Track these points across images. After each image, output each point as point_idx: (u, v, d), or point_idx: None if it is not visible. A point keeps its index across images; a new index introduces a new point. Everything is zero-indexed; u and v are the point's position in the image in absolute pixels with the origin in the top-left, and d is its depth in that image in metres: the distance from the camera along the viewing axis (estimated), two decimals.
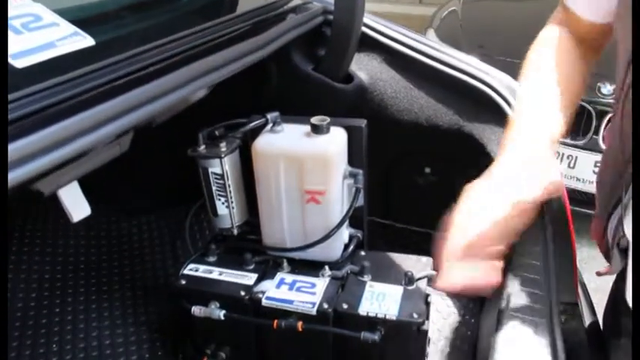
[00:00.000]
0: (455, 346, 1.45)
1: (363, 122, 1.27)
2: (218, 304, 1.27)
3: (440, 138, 1.43)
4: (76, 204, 0.89)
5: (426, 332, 1.27)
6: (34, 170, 0.63)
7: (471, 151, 1.42)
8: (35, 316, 1.55)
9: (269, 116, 1.27)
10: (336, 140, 1.23)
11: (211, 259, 1.37)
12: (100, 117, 0.72)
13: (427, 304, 1.25)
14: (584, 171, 2.93)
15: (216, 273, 1.32)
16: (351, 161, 1.29)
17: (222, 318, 1.25)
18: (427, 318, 1.24)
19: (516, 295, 1.10)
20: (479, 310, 1.52)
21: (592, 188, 2.90)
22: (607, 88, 2.85)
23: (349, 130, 1.26)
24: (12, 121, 0.65)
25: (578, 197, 2.94)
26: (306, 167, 1.21)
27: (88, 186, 1.00)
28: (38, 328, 1.52)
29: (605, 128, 2.86)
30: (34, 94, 0.68)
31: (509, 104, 1.40)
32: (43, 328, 1.51)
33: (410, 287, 1.25)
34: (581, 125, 2.90)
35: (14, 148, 0.63)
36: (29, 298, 1.61)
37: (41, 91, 0.69)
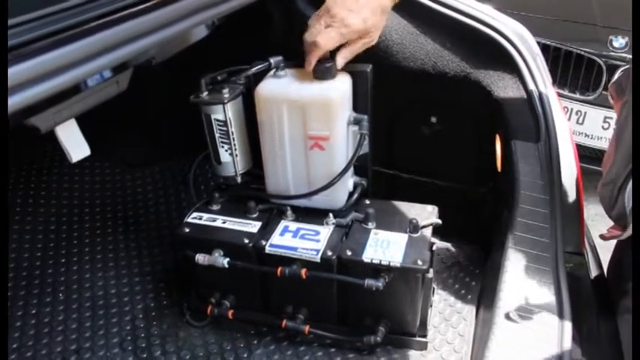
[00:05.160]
0: (460, 296, 1.45)
1: (368, 67, 1.24)
2: (222, 252, 1.26)
3: (446, 85, 1.40)
4: (74, 143, 0.87)
5: (430, 280, 1.26)
6: (31, 98, 0.62)
7: (478, 99, 1.39)
8: (41, 266, 1.56)
9: (272, 61, 1.24)
10: (340, 85, 1.20)
11: (215, 207, 1.36)
12: (96, 46, 0.70)
13: (432, 252, 1.24)
14: (594, 127, 2.88)
15: (219, 221, 1.32)
16: (356, 107, 1.26)
17: (226, 266, 1.25)
18: (431, 266, 1.24)
19: (522, 243, 1.09)
20: (483, 259, 1.52)
21: (601, 144, 2.86)
22: (619, 42, 2.78)
23: (354, 75, 1.23)
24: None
25: (586, 154, 2.90)
26: (310, 112, 1.18)
27: (91, 140, 0.99)
28: (45, 277, 1.53)
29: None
30: (31, 21, 0.66)
31: (518, 51, 1.36)
32: (49, 278, 1.53)
33: (415, 235, 1.24)
34: (591, 80, 2.85)
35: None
36: (35, 248, 1.61)
37: (37, 19, 0.67)
